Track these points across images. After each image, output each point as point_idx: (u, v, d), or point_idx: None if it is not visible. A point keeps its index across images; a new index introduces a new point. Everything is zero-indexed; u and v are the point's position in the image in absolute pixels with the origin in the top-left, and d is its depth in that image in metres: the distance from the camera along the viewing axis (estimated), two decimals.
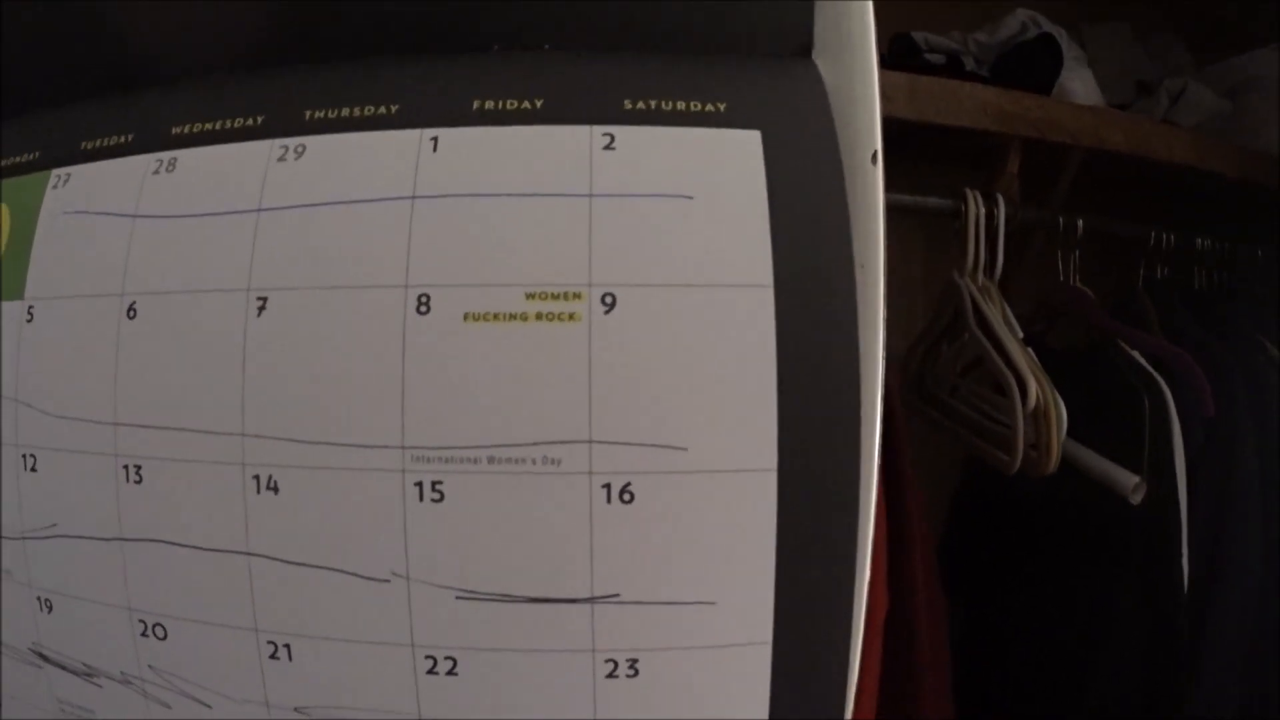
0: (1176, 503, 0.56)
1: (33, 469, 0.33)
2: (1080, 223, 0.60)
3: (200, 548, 0.30)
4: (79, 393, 0.32)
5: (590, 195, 0.28)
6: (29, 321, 0.33)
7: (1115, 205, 0.68)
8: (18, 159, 0.36)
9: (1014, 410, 0.55)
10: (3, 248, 0.35)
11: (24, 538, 0.33)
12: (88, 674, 0.33)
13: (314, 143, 0.31)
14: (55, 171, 0.35)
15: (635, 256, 0.28)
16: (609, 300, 0.27)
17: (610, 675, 0.28)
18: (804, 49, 0.33)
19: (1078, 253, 0.62)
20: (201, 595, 0.30)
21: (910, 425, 0.71)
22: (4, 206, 0.36)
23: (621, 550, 0.27)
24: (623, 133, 0.29)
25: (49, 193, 0.34)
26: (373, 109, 0.31)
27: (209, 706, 0.30)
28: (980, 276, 0.61)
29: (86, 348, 0.32)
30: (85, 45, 0.36)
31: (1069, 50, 0.63)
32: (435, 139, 0.30)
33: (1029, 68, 0.63)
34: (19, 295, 0.34)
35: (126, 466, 0.31)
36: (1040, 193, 0.64)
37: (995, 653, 0.68)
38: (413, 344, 0.28)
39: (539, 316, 0.27)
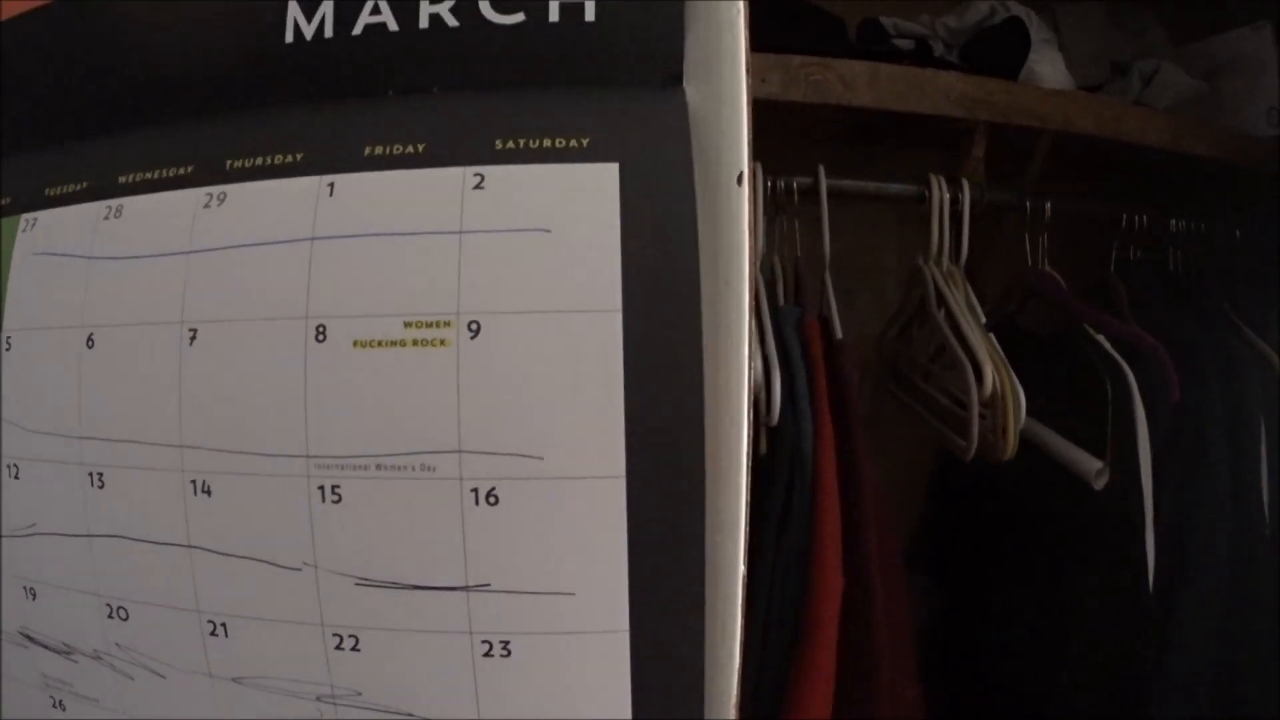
0: (1140, 488, 0.60)
1: (15, 477, 0.42)
2: (1048, 205, 0.64)
3: (153, 541, 0.38)
4: (51, 411, 0.41)
5: (460, 232, 0.35)
6: (7, 350, 0.42)
7: (1093, 188, 0.70)
8: None
9: (969, 395, 0.59)
10: None
11: (11, 536, 0.43)
12: (66, 652, 0.43)
13: (234, 190, 0.39)
14: (25, 215, 0.44)
15: (498, 287, 0.35)
16: (474, 327, 0.34)
17: (486, 654, 0.35)
18: (675, 77, 0.38)
19: (1046, 235, 0.65)
20: (155, 582, 0.39)
21: (886, 409, 0.76)
22: None
23: (490, 546, 0.35)
24: (491, 172, 0.36)
25: (20, 235, 0.44)
26: (281, 157, 0.38)
27: (164, 678, 0.40)
28: (945, 262, 0.66)
29: (54, 372, 0.41)
30: (50, 93, 0.45)
31: (1038, 33, 0.66)
32: (331, 184, 0.37)
33: (997, 52, 0.66)
34: None
35: (91, 474, 0.40)
36: (1013, 175, 0.67)
37: (971, 636, 0.73)
38: (313, 368, 0.35)
39: (415, 343, 0.34)
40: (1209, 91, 0.72)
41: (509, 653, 0.37)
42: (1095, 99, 0.70)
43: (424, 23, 0.40)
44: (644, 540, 0.36)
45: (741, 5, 0.41)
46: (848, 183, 0.63)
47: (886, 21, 0.71)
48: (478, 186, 0.37)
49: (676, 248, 0.36)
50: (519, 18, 0.40)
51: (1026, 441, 0.60)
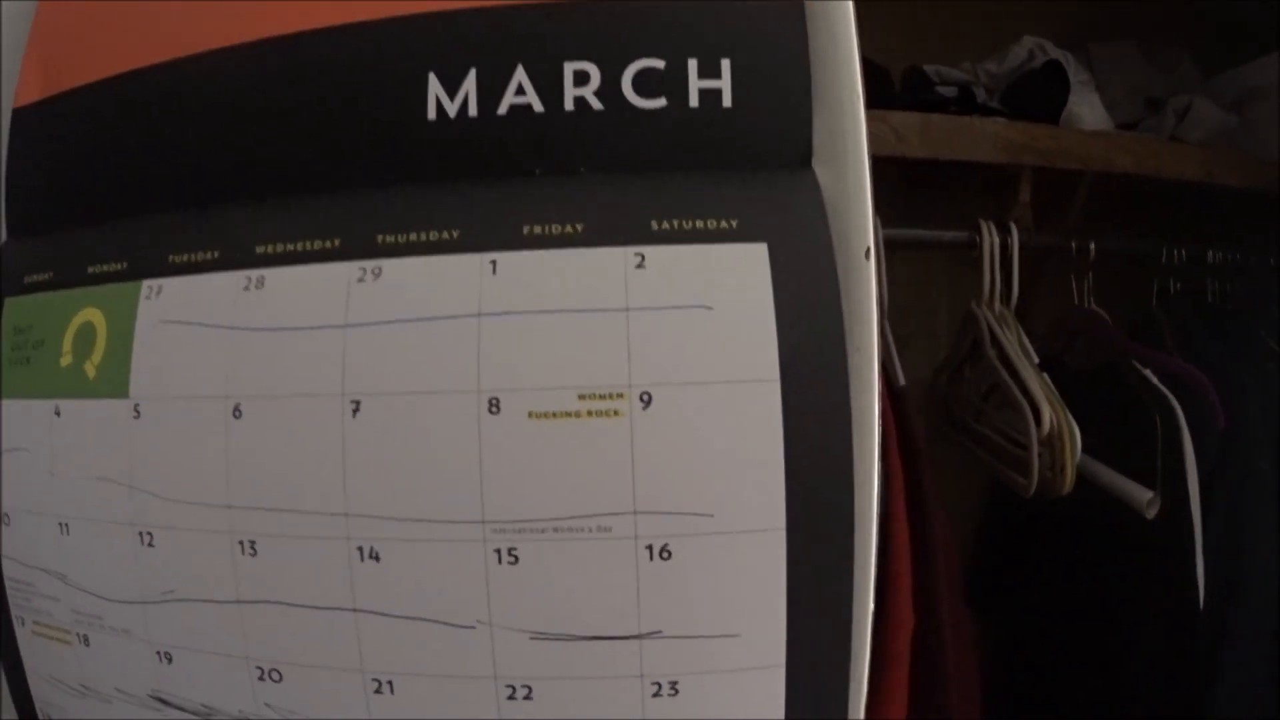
0: (1190, 515, 0.71)
1: (150, 544, 0.47)
2: (1092, 246, 0.75)
3: (313, 606, 0.45)
4: (192, 480, 0.46)
5: (627, 310, 0.42)
6: (136, 418, 0.48)
7: (1131, 222, 0.82)
8: (106, 267, 0.50)
9: (1028, 434, 0.70)
10: (101, 351, 0.49)
11: (143, 602, 0.48)
12: (206, 713, 0.48)
13: (388, 265, 0.45)
14: (146, 282, 0.49)
15: (666, 360, 0.42)
16: (645, 398, 0.42)
17: (655, 695, 0.43)
18: (805, 159, 0.47)
19: (1091, 274, 0.76)
20: (314, 645, 0.45)
21: (938, 449, 0.86)
22: (98, 312, 0.50)
23: (662, 597, 0.42)
24: (651, 252, 0.43)
25: (143, 302, 0.48)
26: (436, 234, 0.45)
27: None
28: (997, 304, 0.76)
29: (197, 442, 0.46)
30: (177, 157, 0.50)
31: (1076, 74, 0.76)
32: (494, 262, 0.44)
33: (1038, 96, 0.76)
34: (123, 394, 0.48)
35: (241, 542, 0.45)
36: (1054, 216, 0.78)
37: (1025, 666, 0.84)
38: (487, 438, 0.42)
39: (589, 414, 0.42)
40: (1238, 123, 0.85)
41: (676, 692, 0.44)
42: (1134, 138, 0.80)
43: (569, 105, 0.46)
44: (799, 584, 0.43)
45: (860, 90, 0.50)
46: (905, 232, 0.72)
47: (930, 69, 0.80)
48: (639, 266, 0.44)
49: (824, 320, 0.44)
50: (661, 102, 0.47)
51: (1079, 475, 0.71)
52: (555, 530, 0.42)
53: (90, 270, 0.50)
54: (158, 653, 0.47)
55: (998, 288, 0.73)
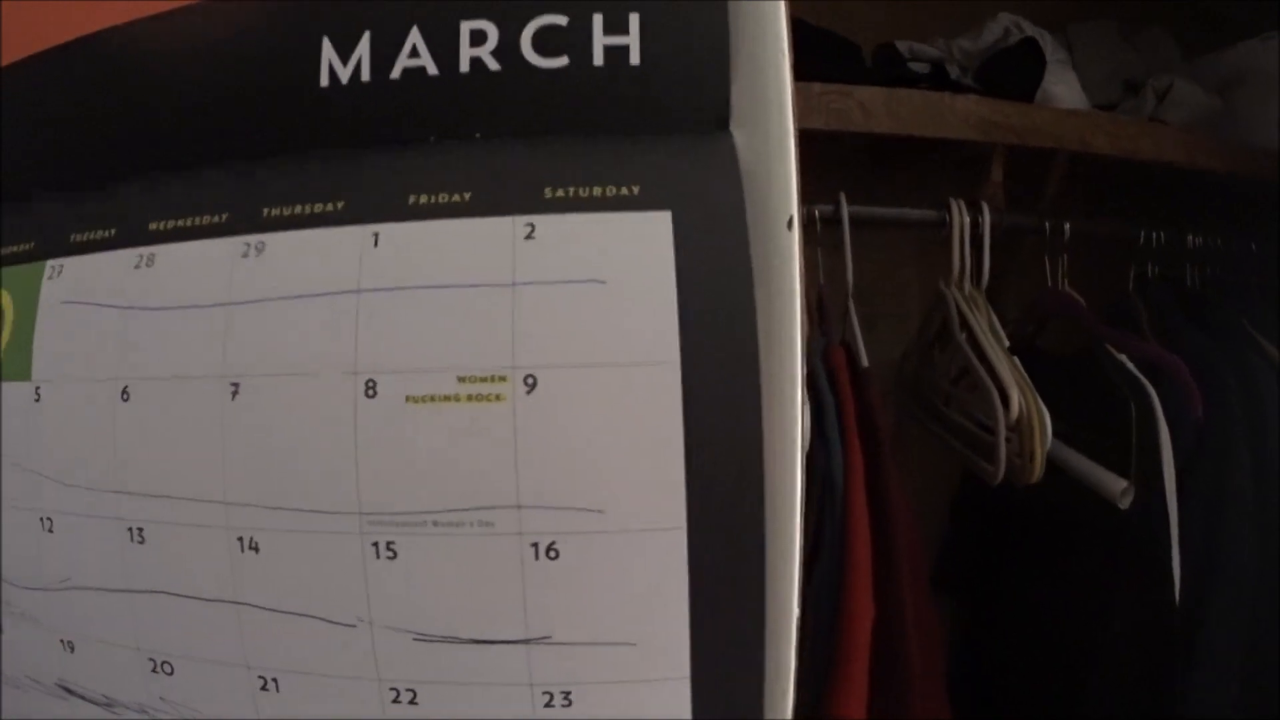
0: (1165, 506, 0.61)
1: (50, 530, 0.41)
2: (1067, 226, 0.65)
3: (198, 598, 0.38)
4: (86, 465, 0.40)
5: (513, 284, 0.35)
6: (37, 401, 0.42)
7: (1109, 204, 0.71)
8: (15, 248, 0.45)
9: (996, 420, 0.60)
10: (9, 333, 0.43)
11: (45, 589, 0.42)
12: (107, 704, 0.42)
13: (272, 240, 0.38)
14: (49, 262, 0.43)
15: (553, 340, 0.34)
16: (530, 381, 0.34)
17: (548, 704, 0.35)
18: (722, 122, 0.38)
19: (1066, 256, 0.66)
20: (202, 637, 0.39)
21: (909, 432, 0.77)
22: (7, 294, 0.44)
23: (550, 599, 0.35)
24: (542, 221, 0.36)
25: (45, 283, 0.43)
26: (321, 206, 0.38)
27: None
28: (967, 285, 0.67)
29: (90, 426, 0.40)
30: (70, 137, 0.44)
31: (1053, 53, 0.66)
32: (376, 234, 0.37)
33: (1013, 73, 0.67)
34: (27, 377, 0.42)
35: (130, 529, 0.39)
36: (1029, 196, 0.68)
37: (996, 656, 0.74)
38: (364, 424, 0.35)
39: (470, 398, 0.34)
40: (1222, 106, 0.74)
41: (570, 703, 0.36)
42: (1111, 118, 0.71)
43: (465, 67, 0.39)
44: (704, 589, 0.35)
45: (786, 48, 0.41)
46: (868, 209, 0.63)
47: (902, 45, 0.71)
48: (529, 237, 0.37)
49: (732, 297, 0.36)
50: (563, 61, 0.39)
51: (1050, 463, 0.61)
52: (434, 524, 0.34)
53: (3, 251, 0.44)
54: (61, 641, 0.42)
55: (968, 268, 0.63)
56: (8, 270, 0.45)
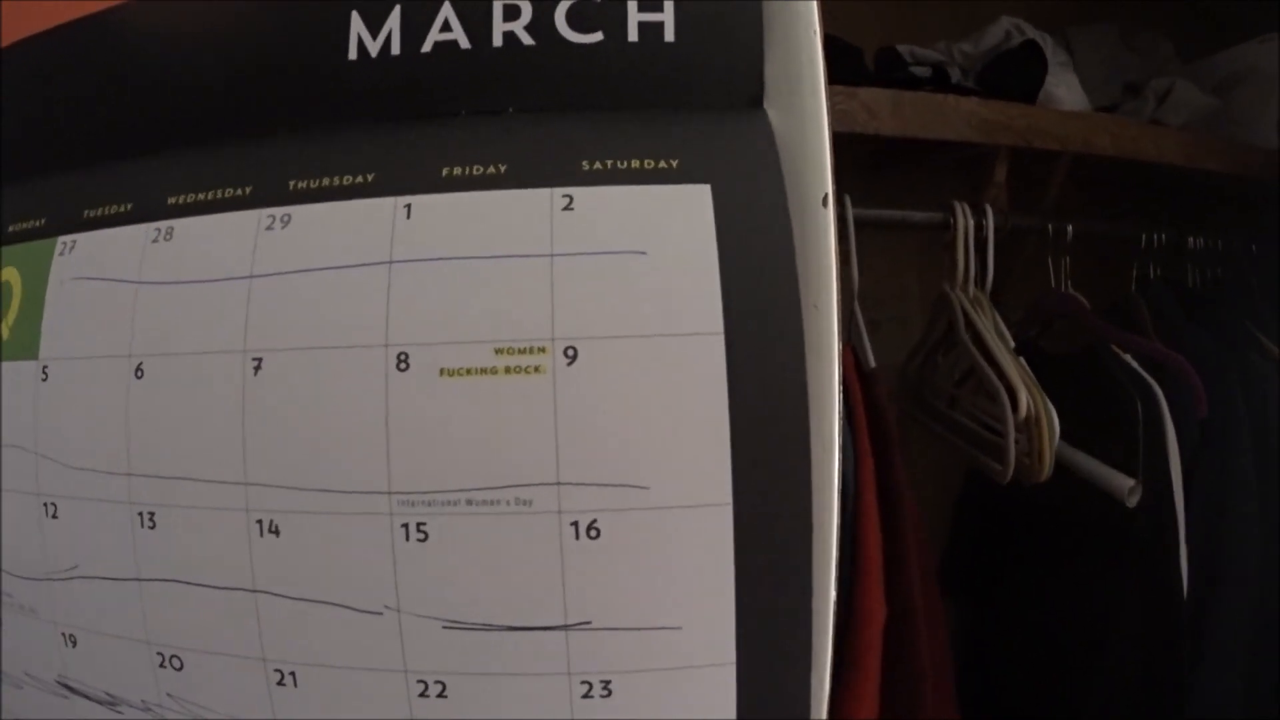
0: (1173, 504, 0.60)
1: (54, 516, 0.39)
2: (1070, 228, 0.64)
3: (211, 586, 0.35)
4: (94, 446, 0.38)
5: (551, 255, 0.33)
6: (44, 380, 0.39)
7: (1111, 206, 0.72)
8: (25, 225, 0.42)
9: (1005, 420, 0.59)
10: (15, 311, 0.41)
11: (48, 579, 0.39)
12: (110, 702, 0.39)
13: (298, 212, 0.36)
14: (61, 239, 0.41)
15: (594, 311, 0.33)
16: (570, 353, 0.32)
17: (586, 695, 0.33)
18: (755, 99, 0.37)
19: (1069, 257, 0.66)
20: (214, 628, 0.36)
21: (910, 435, 0.76)
22: (14, 271, 0.41)
23: (590, 582, 0.32)
24: (581, 193, 0.34)
25: (56, 259, 0.40)
26: (350, 178, 0.36)
27: None
28: (971, 287, 0.66)
29: (99, 405, 0.37)
30: (84, 112, 0.42)
31: (1054, 56, 0.67)
32: (409, 206, 0.35)
33: (1014, 76, 0.67)
34: (33, 355, 0.40)
35: (140, 513, 0.36)
36: (1031, 198, 0.68)
37: (1001, 655, 0.72)
38: (395, 398, 0.33)
39: (507, 370, 0.32)
40: (1221, 106, 0.75)
41: (609, 693, 0.34)
42: (1113, 119, 0.71)
43: (498, 41, 0.38)
44: (750, 569, 0.33)
45: (819, 28, 0.41)
46: (872, 212, 0.62)
47: (903, 49, 0.71)
48: (567, 208, 0.35)
49: (775, 269, 0.35)
50: (597, 37, 0.38)
51: (1057, 462, 0.60)
52: (468, 503, 0.32)
53: (11, 229, 0.42)
54: (63, 634, 0.39)
55: (972, 270, 0.62)
56: (17, 248, 0.42)
